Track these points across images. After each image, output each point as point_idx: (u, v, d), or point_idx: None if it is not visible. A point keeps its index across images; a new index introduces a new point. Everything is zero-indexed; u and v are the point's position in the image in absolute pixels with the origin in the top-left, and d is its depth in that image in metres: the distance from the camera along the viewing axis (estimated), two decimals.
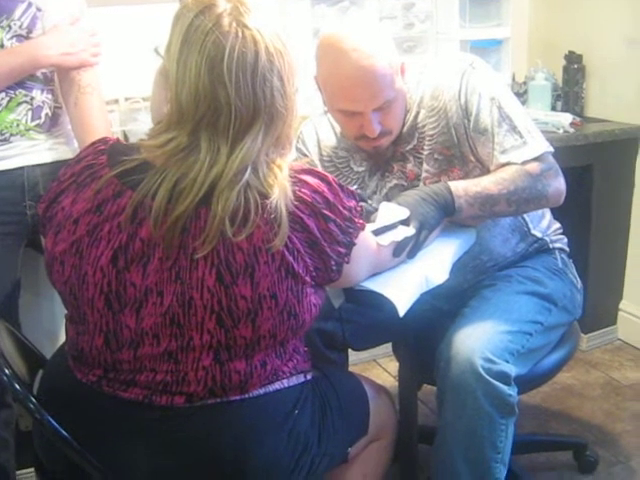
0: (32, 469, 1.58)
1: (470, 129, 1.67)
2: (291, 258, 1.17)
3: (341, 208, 1.22)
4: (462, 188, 1.61)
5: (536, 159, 1.65)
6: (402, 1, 2.67)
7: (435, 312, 1.83)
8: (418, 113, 1.72)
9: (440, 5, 2.72)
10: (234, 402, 1.23)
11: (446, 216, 1.61)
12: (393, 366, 2.58)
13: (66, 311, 1.30)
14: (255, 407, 1.24)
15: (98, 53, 1.87)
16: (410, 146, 1.75)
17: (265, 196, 1.15)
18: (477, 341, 1.57)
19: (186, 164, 1.15)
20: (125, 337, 1.20)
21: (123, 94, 2.35)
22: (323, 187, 1.21)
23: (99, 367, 1.24)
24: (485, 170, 1.70)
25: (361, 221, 1.27)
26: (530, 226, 1.87)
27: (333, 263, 1.23)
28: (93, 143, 1.31)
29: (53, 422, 1.18)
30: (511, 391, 1.57)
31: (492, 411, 1.55)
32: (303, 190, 1.19)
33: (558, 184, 1.68)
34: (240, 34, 1.14)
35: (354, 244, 1.26)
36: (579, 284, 1.92)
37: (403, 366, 1.94)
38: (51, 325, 2.13)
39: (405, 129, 1.73)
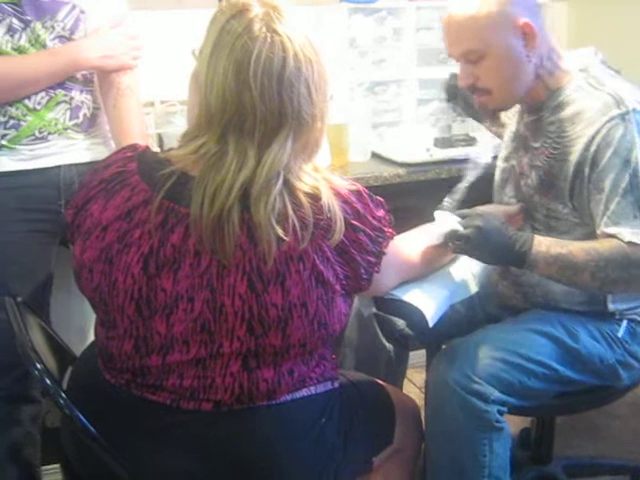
0: (57, 465, 1.59)
1: (589, 180, 1.51)
2: (322, 266, 1.18)
3: (370, 218, 1.23)
4: (546, 244, 1.48)
5: None
6: (439, 12, 2.66)
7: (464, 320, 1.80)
8: (554, 123, 1.58)
9: None
10: (261, 408, 1.23)
11: (506, 263, 1.54)
12: (419, 377, 2.57)
13: None
14: (282, 413, 1.24)
15: (138, 56, 1.89)
16: (535, 144, 1.64)
17: (315, 198, 1.16)
18: (464, 359, 1.53)
19: (216, 168, 1.15)
20: (155, 343, 1.20)
21: (159, 97, 2.37)
22: (352, 198, 1.22)
23: (127, 371, 1.25)
24: (575, 220, 1.58)
25: (390, 230, 1.27)
26: (608, 297, 1.64)
27: (363, 272, 1.23)
28: (122, 149, 1.32)
29: (82, 418, 1.18)
30: (488, 408, 1.50)
31: (468, 424, 1.51)
32: None
33: None
34: (269, 39, 1.14)
35: (384, 253, 1.26)
36: None
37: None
38: (81, 323, 2.14)
39: (547, 115, 1.60)
